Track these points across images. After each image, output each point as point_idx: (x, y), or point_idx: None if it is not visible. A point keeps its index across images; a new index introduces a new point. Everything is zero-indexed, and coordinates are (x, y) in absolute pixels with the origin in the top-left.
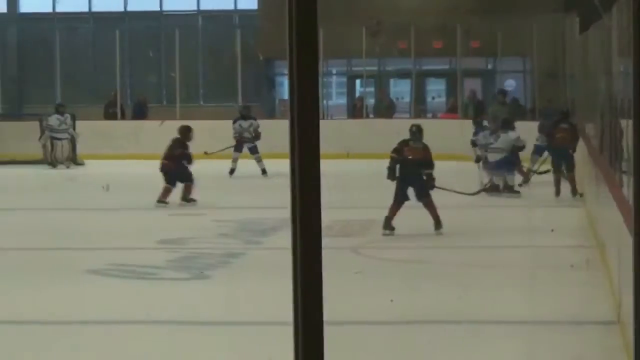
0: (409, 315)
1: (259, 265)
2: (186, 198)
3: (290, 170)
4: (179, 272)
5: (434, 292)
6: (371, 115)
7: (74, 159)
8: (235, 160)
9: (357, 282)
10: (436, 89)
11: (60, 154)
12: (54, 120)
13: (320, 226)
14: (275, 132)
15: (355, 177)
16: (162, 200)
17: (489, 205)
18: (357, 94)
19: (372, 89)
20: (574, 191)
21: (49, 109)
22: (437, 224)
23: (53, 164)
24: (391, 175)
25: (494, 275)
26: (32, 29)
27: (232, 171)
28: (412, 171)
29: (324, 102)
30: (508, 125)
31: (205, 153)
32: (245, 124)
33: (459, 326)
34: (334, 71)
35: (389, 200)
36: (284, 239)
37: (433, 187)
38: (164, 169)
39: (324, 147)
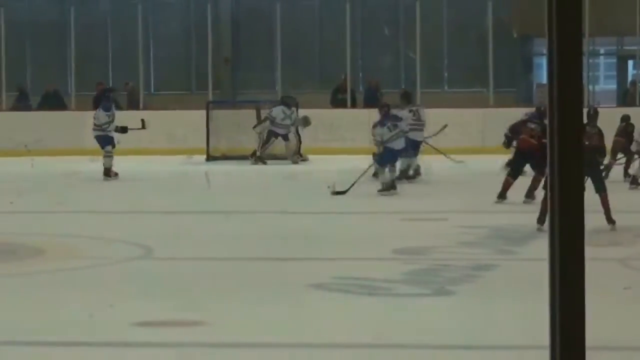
0: None
1: (512, 279)
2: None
3: (549, 167)
4: (416, 287)
5: None
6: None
7: (300, 154)
8: None
9: (626, 300)
10: None
11: (280, 149)
12: (278, 112)
13: (583, 233)
14: None
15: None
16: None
17: None
18: (630, 78)
19: None
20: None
21: (267, 95)
22: (609, 219)
23: (261, 159)
24: None
25: None
26: (249, 2)
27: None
28: (587, 159)
29: (590, 87)
30: None
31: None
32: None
33: None
34: (602, 51)
35: None
36: (543, 249)
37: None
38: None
39: None
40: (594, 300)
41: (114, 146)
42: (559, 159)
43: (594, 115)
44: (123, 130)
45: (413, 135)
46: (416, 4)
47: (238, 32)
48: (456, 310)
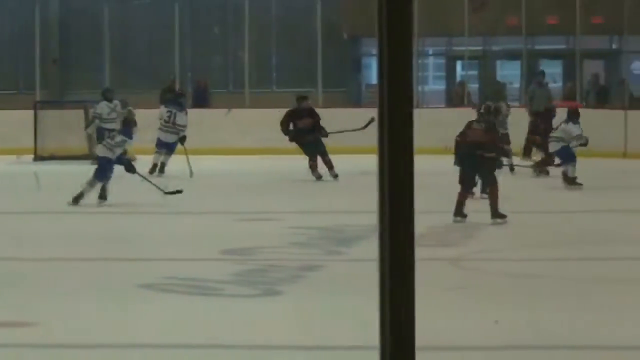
0: (518, 340)
1: (340, 280)
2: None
3: (378, 168)
4: (245, 288)
5: (551, 311)
6: (474, 103)
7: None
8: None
9: (456, 301)
10: (551, 73)
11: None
12: (102, 107)
13: (413, 234)
14: (361, 123)
15: (454, 176)
16: None
17: (614, 210)
18: (458, 78)
19: (475, 72)
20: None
21: (95, 95)
22: (494, 213)
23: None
24: (456, 161)
25: (627, 292)
26: (77, 2)
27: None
28: (472, 154)
29: (419, 87)
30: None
31: None
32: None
33: (580, 353)
34: (431, 51)
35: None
36: (371, 249)
37: (500, 167)
38: None
39: (418, 141)
40: (424, 300)
41: None
42: (389, 159)
43: (484, 112)
44: None
45: (163, 137)
46: (245, 3)
47: (66, 32)
48: (285, 311)
